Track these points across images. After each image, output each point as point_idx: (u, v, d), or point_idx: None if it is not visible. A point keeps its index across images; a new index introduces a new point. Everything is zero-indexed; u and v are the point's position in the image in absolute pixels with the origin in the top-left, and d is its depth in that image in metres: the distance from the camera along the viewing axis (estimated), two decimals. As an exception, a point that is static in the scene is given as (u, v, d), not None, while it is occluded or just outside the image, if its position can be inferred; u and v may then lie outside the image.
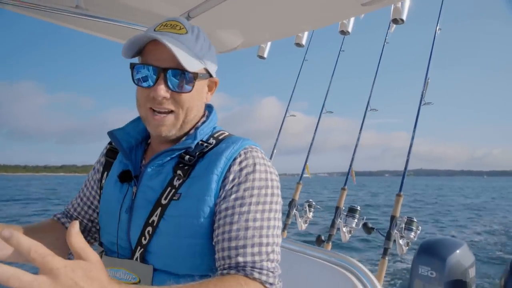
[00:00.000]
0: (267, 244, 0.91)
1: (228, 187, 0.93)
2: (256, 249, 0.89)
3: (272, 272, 0.90)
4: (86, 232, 1.23)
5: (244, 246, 0.88)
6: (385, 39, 3.49)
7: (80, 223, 1.22)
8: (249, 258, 0.88)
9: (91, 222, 1.22)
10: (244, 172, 0.94)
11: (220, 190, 0.93)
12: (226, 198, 0.92)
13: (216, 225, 0.93)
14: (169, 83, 0.93)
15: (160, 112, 0.96)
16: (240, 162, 0.95)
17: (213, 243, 0.94)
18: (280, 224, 0.98)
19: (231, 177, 0.93)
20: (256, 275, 0.87)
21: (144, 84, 0.95)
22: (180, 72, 0.93)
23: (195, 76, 0.95)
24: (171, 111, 0.97)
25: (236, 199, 0.92)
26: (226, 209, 0.91)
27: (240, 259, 0.88)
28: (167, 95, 0.94)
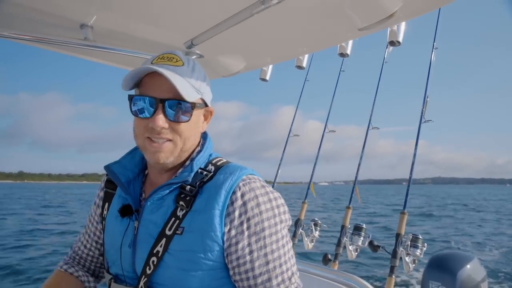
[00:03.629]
0: (287, 270, 0.98)
1: (236, 223, 0.94)
2: (279, 279, 0.96)
3: None
4: (97, 270, 1.25)
5: (269, 280, 0.95)
6: (384, 59, 3.56)
7: (90, 263, 1.25)
8: None
9: (102, 256, 1.23)
10: (249, 206, 0.95)
11: (224, 225, 0.94)
12: (238, 236, 0.94)
13: (235, 263, 0.95)
14: (167, 114, 0.95)
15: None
16: (242, 196, 0.96)
17: (234, 280, 0.98)
18: (291, 242, 1.04)
19: (236, 213, 0.95)
20: None
21: (142, 115, 0.97)
22: (178, 102, 0.96)
23: (193, 106, 0.98)
24: (170, 140, 0.99)
25: (249, 236, 0.95)
26: (243, 247, 0.94)
27: None
28: (166, 125, 0.96)
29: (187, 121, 0.98)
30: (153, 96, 0.95)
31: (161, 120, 0.95)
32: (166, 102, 0.95)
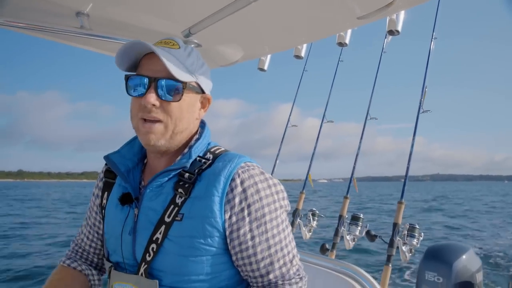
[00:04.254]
0: (288, 253, 1.02)
1: (236, 209, 0.96)
2: (281, 262, 1.00)
3: (298, 275, 1.03)
4: (100, 262, 1.25)
5: (271, 263, 0.99)
6: (383, 49, 3.54)
7: (94, 255, 1.24)
8: (278, 273, 1.00)
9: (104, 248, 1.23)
10: (249, 193, 0.97)
11: (225, 211, 0.95)
12: (239, 222, 0.96)
13: (237, 249, 0.98)
14: (159, 92, 0.96)
15: (150, 121, 0.99)
16: (242, 183, 0.97)
17: (236, 265, 1.01)
18: (290, 227, 1.07)
19: (237, 200, 0.96)
20: (287, 287, 1.00)
21: (137, 94, 0.99)
22: (170, 81, 0.96)
23: (184, 85, 0.98)
24: (160, 121, 0.99)
25: (251, 222, 0.97)
26: (245, 233, 0.96)
27: (271, 276, 1.00)
28: (157, 103, 0.96)
29: (178, 100, 0.98)
30: (147, 75, 0.97)
31: (152, 97, 0.96)
32: (159, 80, 0.96)
